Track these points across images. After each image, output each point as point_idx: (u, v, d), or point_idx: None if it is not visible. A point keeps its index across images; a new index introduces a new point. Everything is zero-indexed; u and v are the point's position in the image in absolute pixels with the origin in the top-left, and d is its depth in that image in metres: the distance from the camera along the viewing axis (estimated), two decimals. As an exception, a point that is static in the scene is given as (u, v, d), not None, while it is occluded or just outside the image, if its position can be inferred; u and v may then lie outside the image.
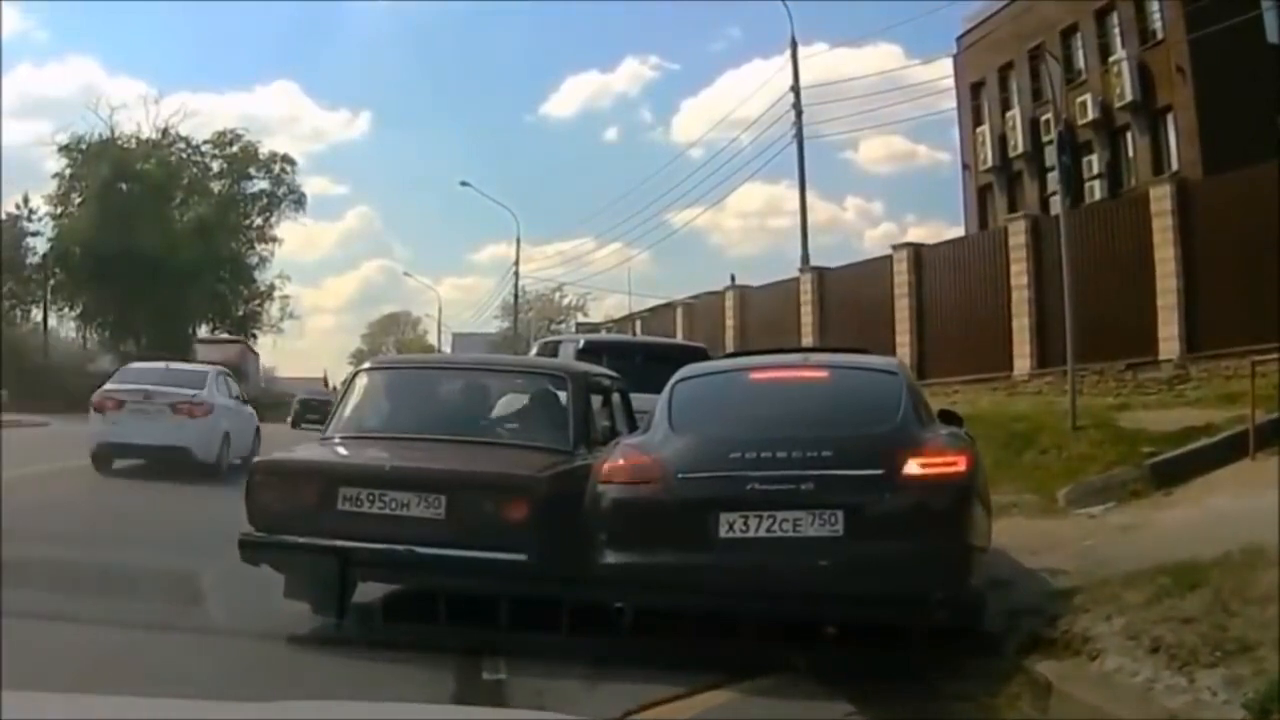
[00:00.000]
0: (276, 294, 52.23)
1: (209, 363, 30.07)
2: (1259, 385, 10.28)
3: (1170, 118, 22.62)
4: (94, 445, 13.58)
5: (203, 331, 49.34)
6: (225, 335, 43.97)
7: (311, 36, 75.61)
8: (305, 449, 6.88)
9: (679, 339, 22.56)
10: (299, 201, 51.93)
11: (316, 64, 78.26)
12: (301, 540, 5.54)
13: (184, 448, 13.33)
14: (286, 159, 51.78)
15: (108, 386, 14.39)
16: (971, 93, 28.52)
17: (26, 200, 44.73)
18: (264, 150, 51.13)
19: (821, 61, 75.05)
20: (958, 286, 19.12)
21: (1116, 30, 23.91)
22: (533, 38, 74.33)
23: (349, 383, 7.09)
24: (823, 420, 5.65)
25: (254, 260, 51.42)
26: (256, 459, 5.99)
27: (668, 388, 6.04)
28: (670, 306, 30.88)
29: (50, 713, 1.95)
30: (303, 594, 5.63)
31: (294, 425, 28.43)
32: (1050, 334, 15.87)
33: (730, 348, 21.46)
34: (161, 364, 15.69)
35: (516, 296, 48.56)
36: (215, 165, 50.85)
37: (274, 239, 51.67)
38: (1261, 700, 3.87)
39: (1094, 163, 23.86)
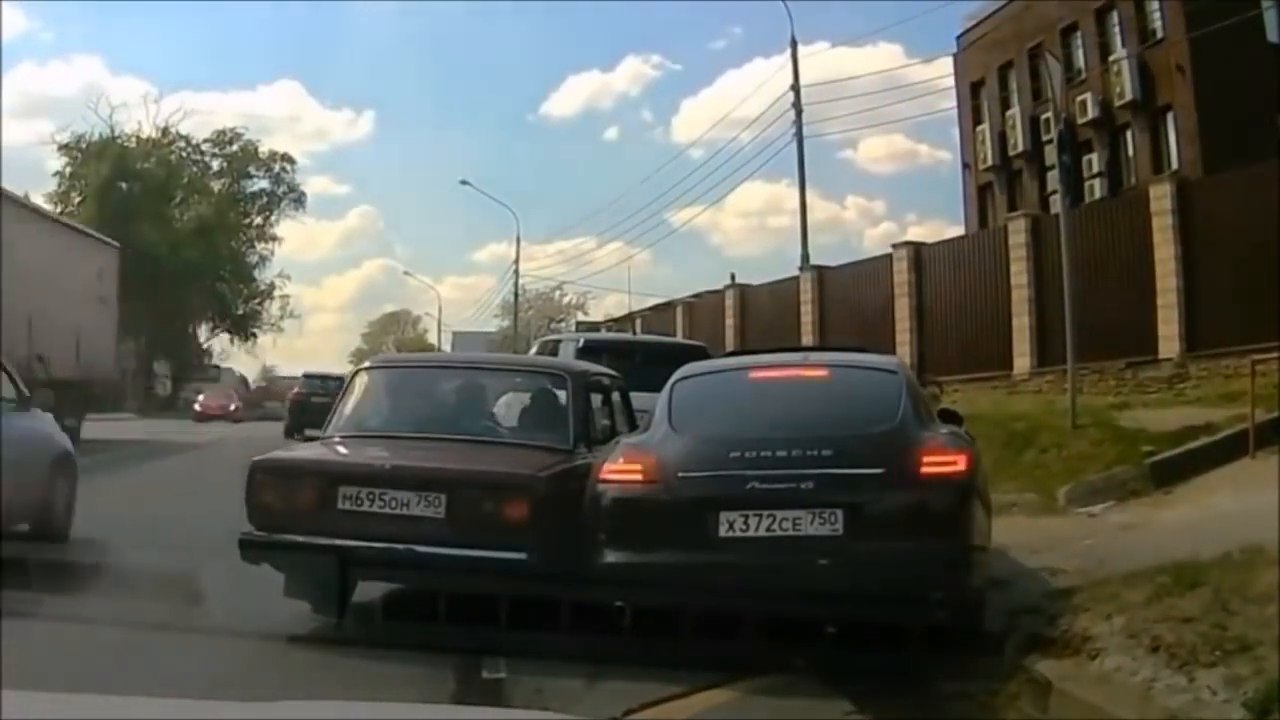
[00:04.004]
0: (277, 293, 52.30)
1: None
2: (1259, 384, 10.28)
3: (1170, 117, 22.65)
4: None
5: (202, 332, 48.95)
6: None
7: (315, 36, 76.03)
8: (305, 448, 6.89)
9: (679, 338, 22.54)
10: (299, 200, 52.01)
11: (319, 64, 78.50)
12: (301, 540, 5.54)
13: None
14: (286, 158, 51.86)
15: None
16: (971, 92, 28.55)
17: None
18: (264, 149, 51.18)
19: (822, 61, 75.56)
20: (958, 286, 19.10)
21: (1116, 29, 23.94)
22: (534, 37, 74.62)
23: (349, 382, 7.10)
24: (823, 419, 5.65)
25: (254, 259, 51.47)
26: (255, 458, 5.96)
27: (667, 387, 6.03)
28: (671, 305, 30.85)
29: (50, 713, 1.95)
30: (303, 593, 5.63)
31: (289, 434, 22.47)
32: (1050, 333, 15.85)
33: (730, 347, 21.45)
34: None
35: (517, 295, 48.62)
36: (215, 164, 50.87)
37: (274, 238, 51.77)
38: (1261, 700, 3.86)
39: (1094, 162, 23.88)
